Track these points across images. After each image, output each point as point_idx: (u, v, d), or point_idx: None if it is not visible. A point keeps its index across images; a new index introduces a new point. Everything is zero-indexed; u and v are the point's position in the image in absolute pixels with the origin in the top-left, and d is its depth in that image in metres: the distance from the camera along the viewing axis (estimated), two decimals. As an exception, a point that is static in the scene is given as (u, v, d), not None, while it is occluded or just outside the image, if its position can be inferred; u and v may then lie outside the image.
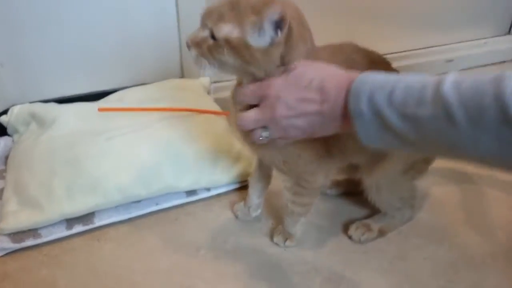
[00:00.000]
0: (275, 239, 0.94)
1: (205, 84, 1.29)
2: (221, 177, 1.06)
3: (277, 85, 0.68)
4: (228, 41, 0.66)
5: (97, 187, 0.96)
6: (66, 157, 0.98)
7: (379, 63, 0.84)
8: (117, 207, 0.99)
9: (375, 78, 0.61)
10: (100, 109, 1.04)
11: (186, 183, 1.03)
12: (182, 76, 1.30)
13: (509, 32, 1.78)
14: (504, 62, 1.76)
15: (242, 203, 1.01)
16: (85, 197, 0.95)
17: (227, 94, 1.35)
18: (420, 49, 1.62)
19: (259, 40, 0.66)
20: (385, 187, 0.90)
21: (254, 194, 0.97)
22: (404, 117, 0.57)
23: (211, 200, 1.06)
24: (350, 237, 0.96)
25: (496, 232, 0.99)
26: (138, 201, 1.01)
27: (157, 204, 1.02)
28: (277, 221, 0.99)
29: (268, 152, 0.81)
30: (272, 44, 0.66)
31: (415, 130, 0.57)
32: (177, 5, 1.21)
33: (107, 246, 0.93)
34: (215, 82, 1.37)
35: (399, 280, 0.88)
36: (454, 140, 0.54)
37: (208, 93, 1.31)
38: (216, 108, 1.20)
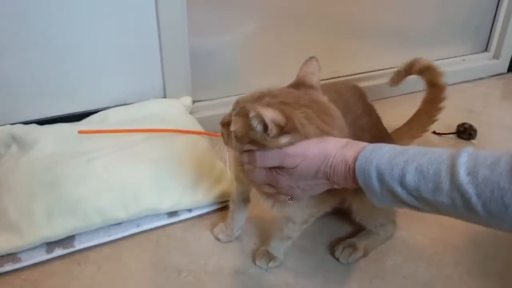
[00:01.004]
0: (257, 263, 0.94)
1: (187, 104, 1.30)
2: (203, 198, 1.06)
3: (284, 180, 0.70)
4: (235, 133, 0.70)
5: (77, 210, 0.96)
6: (46, 180, 0.98)
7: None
8: (98, 230, 0.98)
9: (380, 155, 0.62)
10: (80, 132, 1.04)
11: (168, 205, 1.03)
12: (164, 95, 1.30)
13: (486, 49, 1.82)
14: (482, 78, 1.80)
15: (222, 225, 1.01)
16: (65, 220, 0.95)
17: (209, 113, 1.38)
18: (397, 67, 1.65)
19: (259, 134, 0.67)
20: (371, 205, 0.91)
21: (239, 216, 0.97)
22: (419, 199, 0.59)
23: (192, 221, 1.06)
24: (337, 259, 0.96)
25: (473, 249, 1.00)
26: (119, 224, 1.01)
27: (138, 225, 1.02)
28: (260, 240, 1.00)
29: (290, 210, 0.83)
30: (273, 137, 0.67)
31: (432, 208, 0.60)
32: (158, 23, 1.21)
33: (87, 270, 0.92)
34: (197, 101, 1.38)
35: (379, 300, 0.88)
36: (473, 220, 0.57)
37: (190, 113, 1.32)
38: (199, 127, 1.21)
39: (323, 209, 0.84)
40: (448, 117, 1.49)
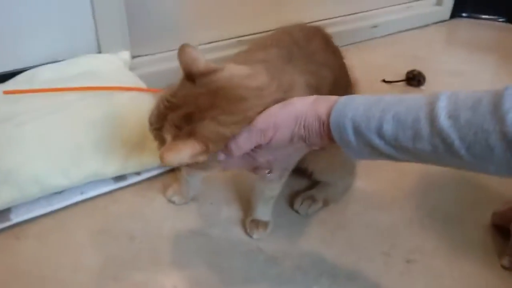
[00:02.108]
0: (255, 236, 0.87)
1: (126, 59, 1.19)
2: (151, 160, 0.98)
3: (261, 156, 0.66)
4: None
5: (9, 179, 0.85)
6: (-30, 149, 0.86)
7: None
8: (37, 200, 0.89)
9: (354, 107, 0.57)
10: (6, 92, 0.92)
11: (113, 169, 0.95)
12: (99, 51, 1.18)
13: (429, -4, 1.82)
14: (427, 25, 1.80)
15: (176, 186, 0.94)
16: (-3, 192, 0.84)
17: (150, 69, 1.28)
18: (345, 15, 1.61)
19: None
20: (329, 162, 0.89)
21: (195, 177, 0.91)
22: (398, 148, 0.55)
23: (142, 184, 0.99)
24: (296, 211, 0.93)
25: (432, 194, 1.01)
26: (60, 192, 0.91)
27: (82, 193, 0.93)
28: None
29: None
30: None
31: (411, 157, 0.56)
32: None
33: (28, 244, 0.83)
34: (136, 56, 1.27)
35: (342, 250, 0.86)
36: (457, 165, 0.54)
37: (130, 69, 1.21)
38: (141, 84, 1.11)
39: (294, 160, 0.80)
40: (396, 65, 1.49)
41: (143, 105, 1.03)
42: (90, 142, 0.92)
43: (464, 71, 1.51)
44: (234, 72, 0.63)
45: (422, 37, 1.75)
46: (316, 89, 0.72)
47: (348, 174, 0.97)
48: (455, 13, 1.85)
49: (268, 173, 0.71)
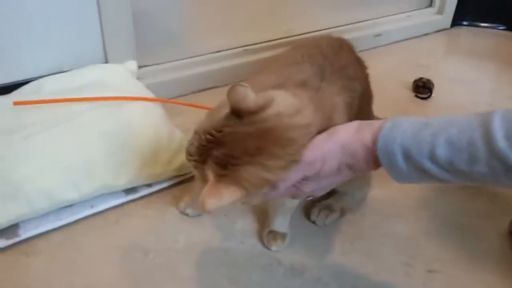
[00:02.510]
0: (273, 248, 0.85)
1: (133, 69, 1.17)
2: (163, 171, 0.96)
3: (308, 187, 0.64)
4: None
5: (17, 194, 0.82)
6: (-23, 163, 0.83)
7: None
8: (46, 215, 0.86)
9: (402, 131, 0.56)
10: (16, 103, 0.89)
11: (124, 181, 0.92)
12: (106, 61, 1.16)
13: (431, 5, 1.82)
14: (427, 34, 1.80)
15: (188, 198, 0.92)
16: (5, 207, 0.82)
17: (158, 79, 1.26)
18: (349, 24, 1.61)
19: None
20: None
21: None
22: (452, 171, 0.55)
23: (153, 197, 0.96)
24: (313, 222, 0.91)
25: (446, 203, 0.99)
26: (70, 206, 0.89)
27: (92, 206, 0.90)
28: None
29: None
30: None
31: (467, 179, 0.55)
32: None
33: (38, 261, 0.80)
34: (143, 66, 1.25)
35: (362, 261, 0.84)
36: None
37: (137, 79, 1.19)
38: (149, 94, 1.09)
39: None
40: (401, 73, 1.49)
41: (154, 115, 1.01)
42: (101, 154, 0.90)
43: (467, 79, 1.51)
44: (283, 109, 0.60)
45: (424, 46, 1.75)
46: (350, 105, 0.71)
47: (365, 184, 0.95)
48: (456, 21, 1.85)
49: (309, 198, 0.69)
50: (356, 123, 0.62)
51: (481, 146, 0.51)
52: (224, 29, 1.37)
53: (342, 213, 0.93)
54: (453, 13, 1.83)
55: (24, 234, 0.83)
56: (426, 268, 0.84)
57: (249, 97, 0.58)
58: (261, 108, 0.59)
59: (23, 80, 1.06)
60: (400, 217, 0.95)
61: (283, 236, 0.86)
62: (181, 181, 0.99)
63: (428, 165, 0.55)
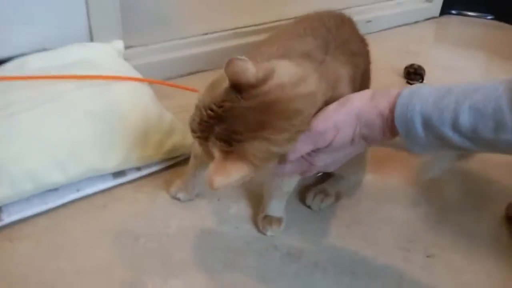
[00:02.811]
0: (269, 232, 0.82)
1: (119, 48, 1.12)
2: (153, 154, 0.92)
3: (320, 160, 0.61)
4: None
5: (0, 175, 0.78)
6: (-45, 142, 0.78)
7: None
8: (30, 198, 0.81)
9: (423, 98, 0.54)
10: (-2, 78, 0.85)
11: (113, 164, 0.88)
12: (91, 40, 1.11)
13: (421, -8, 1.82)
14: (417, 22, 1.80)
15: (180, 182, 0.88)
16: (-13, 189, 0.77)
17: (144, 60, 1.22)
18: (340, 9, 1.57)
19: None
20: None
21: (203, 172, 0.85)
22: (476, 140, 0.52)
23: (143, 180, 0.92)
24: (309, 207, 0.89)
25: (444, 187, 0.98)
26: (56, 189, 0.84)
27: (78, 190, 0.86)
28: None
29: None
30: None
31: (491, 148, 0.53)
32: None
33: (23, 246, 0.76)
34: (129, 47, 1.20)
35: (360, 246, 0.83)
36: None
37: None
38: (137, 74, 1.04)
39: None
40: (391, 59, 1.47)
41: (143, 96, 0.97)
42: (88, 135, 0.86)
43: (457, 67, 1.50)
44: (285, 79, 0.57)
45: (413, 33, 1.74)
46: (354, 80, 0.69)
47: (360, 169, 0.93)
48: (445, 10, 1.85)
49: (319, 174, 0.66)
50: (370, 91, 0.59)
51: (507, 113, 0.49)
52: (213, 12, 1.33)
53: (338, 197, 0.91)
54: (442, 2, 1.83)
55: (7, 218, 0.78)
56: (425, 253, 0.82)
57: (249, 70, 0.55)
58: (262, 81, 0.56)
59: (6, 57, 1.00)
60: (397, 202, 0.93)
61: (279, 220, 0.83)
62: (172, 165, 0.96)
63: (449, 133, 0.53)
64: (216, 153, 0.56)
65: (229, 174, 0.55)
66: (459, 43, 1.71)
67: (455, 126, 0.52)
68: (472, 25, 1.85)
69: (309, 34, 0.72)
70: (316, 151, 0.59)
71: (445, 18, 1.87)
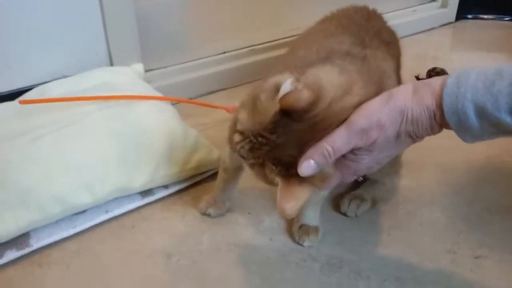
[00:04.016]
0: (306, 243, 0.79)
1: (140, 71, 1.12)
2: (179, 171, 0.90)
3: (365, 163, 0.58)
4: None
5: (27, 200, 0.76)
6: (-18, 169, 0.77)
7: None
8: (58, 222, 0.80)
9: (472, 86, 0.51)
10: (22, 102, 0.84)
11: (140, 183, 0.86)
12: (111, 64, 1.11)
13: (434, -1, 1.81)
14: (433, 28, 1.78)
15: (209, 198, 0.86)
16: (14, 214, 0.75)
17: (164, 82, 1.21)
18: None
19: None
20: None
21: (232, 185, 0.83)
22: None
23: (170, 198, 0.90)
24: (344, 214, 0.85)
25: (482, 187, 0.93)
26: (84, 211, 0.82)
27: (107, 211, 0.84)
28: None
29: None
30: None
31: None
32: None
33: (53, 271, 0.74)
34: (148, 70, 1.20)
35: (402, 251, 0.78)
36: None
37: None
38: (158, 95, 1.03)
39: None
40: (411, 67, 1.45)
41: (166, 114, 0.96)
42: (114, 155, 0.84)
43: (480, 69, 1.47)
44: (332, 93, 0.55)
45: (430, 39, 1.72)
46: (396, 70, 0.66)
47: (394, 172, 0.89)
48: (460, 14, 1.83)
49: (360, 177, 0.64)
50: (410, 85, 0.56)
51: None
52: (229, 30, 1.33)
53: (374, 202, 0.88)
54: (457, 7, 1.81)
55: (36, 243, 0.77)
56: (473, 254, 0.77)
57: (303, 98, 0.53)
58: (314, 104, 0.53)
59: (27, 86, 1.01)
60: (436, 204, 0.89)
61: (315, 230, 0.80)
62: (199, 181, 0.93)
63: (507, 119, 0.49)
64: (278, 179, 0.55)
65: (298, 198, 0.54)
66: (478, 46, 1.68)
67: None
68: (490, 28, 1.83)
69: (341, 32, 0.71)
70: (359, 150, 0.56)
71: (461, 22, 1.85)
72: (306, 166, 0.53)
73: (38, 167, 0.79)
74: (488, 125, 0.51)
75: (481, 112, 0.50)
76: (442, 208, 0.88)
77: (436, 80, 0.54)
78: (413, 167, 0.97)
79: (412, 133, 0.55)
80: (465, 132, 0.53)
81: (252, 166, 0.58)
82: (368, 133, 0.54)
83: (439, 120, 0.53)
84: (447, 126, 0.54)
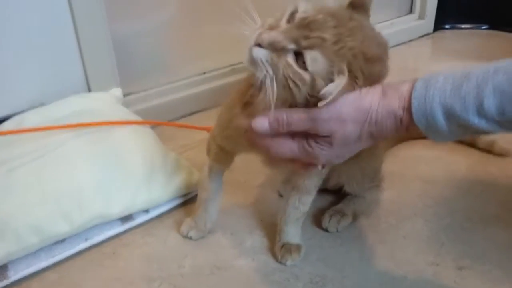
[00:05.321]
0: (289, 262, 0.78)
1: (118, 96, 1.11)
2: (160, 194, 0.89)
3: (325, 155, 0.58)
4: (313, 80, 0.54)
5: (4, 231, 0.75)
6: (-44, 202, 0.76)
7: None
8: (37, 252, 0.78)
9: (439, 88, 0.51)
10: (-2, 133, 0.83)
11: (119, 208, 0.85)
12: (89, 90, 1.11)
13: (411, 11, 1.83)
14: (412, 40, 1.80)
15: (190, 220, 0.85)
16: (-9, 246, 0.74)
17: (144, 105, 1.21)
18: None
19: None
20: (359, 171, 0.83)
21: (213, 206, 0.83)
22: (504, 123, 0.49)
23: (151, 223, 0.89)
24: (326, 229, 0.85)
25: (463, 198, 0.94)
26: (63, 240, 0.81)
27: (86, 239, 0.82)
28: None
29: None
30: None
31: None
32: (71, 9, 1.02)
33: (31, 304, 0.72)
34: (127, 94, 1.20)
35: (386, 266, 0.78)
36: None
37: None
38: (138, 119, 1.03)
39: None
40: (393, 80, 1.46)
41: (144, 137, 0.95)
42: (91, 181, 0.83)
43: (460, 78, 1.48)
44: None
45: (409, 51, 1.74)
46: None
47: (376, 186, 0.89)
48: (438, 25, 1.86)
49: (323, 167, 0.63)
50: (379, 88, 0.56)
51: None
52: (209, 50, 1.33)
53: (355, 217, 0.87)
54: (435, 17, 1.84)
55: (14, 275, 0.75)
56: (456, 266, 0.77)
57: None
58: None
59: (5, 116, 1.00)
60: (418, 216, 0.89)
61: (298, 248, 0.79)
62: (181, 204, 0.92)
63: (475, 120, 0.50)
64: None
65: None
66: (457, 55, 1.70)
67: (481, 112, 0.49)
68: (468, 37, 1.86)
69: None
70: (317, 140, 0.57)
71: (440, 33, 1.88)
72: (260, 123, 0.57)
73: (15, 197, 0.78)
74: (457, 126, 0.51)
75: (450, 114, 0.51)
76: (425, 220, 0.88)
77: (405, 84, 0.55)
78: (395, 179, 0.97)
79: (374, 134, 0.56)
80: (434, 133, 0.53)
81: None
82: (328, 122, 0.55)
83: (406, 123, 0.54)
84: (415, 128, 0.54)
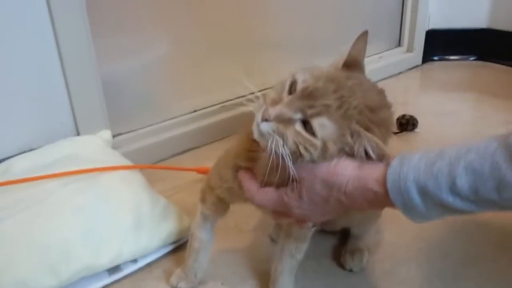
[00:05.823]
0: None
1: (107, 138, 1.10)
2: (148, 243, 0.87)
3: (295, 206, 0.60)
4: (324, 144, 0.55)
5: (-12, 289, 0.73)
6: None
7: None
8: (22, 309, 0.76)
9: (413, 166, 0.52)
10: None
11: (107, 259, 0.83)
12: (77, 133, 1.10)
13: (399, 44, 1.85)
14: (401, 72, 1.82)
15: (179, 271, 0.83)
16: (-26, 306, 0.72)
17: (134, 146, 1.20)
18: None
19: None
20: (364, 216, 0.86)
21: (204, 255, 0.81)
22: (479, 202, 0.49)
23: (140, 273, 0.87)
24: (350, 270, 0.85)
25: (456, 240, 0.93)
26: (48, 295, 0.79)
27: (73, 293, 0.80)
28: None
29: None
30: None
31: (498, 207, 0.50)
32: (59, 52, 1.02)
33: None
34: (117, 135, 1.19)
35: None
36: None
37: (112, 148, 1.12)
38: (127, 162, 1.02)
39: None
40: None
41: (132, 184, 0.94)
42: (78, 232, 0.81)
43: (450, 111, 1.49)
44: None
45: (398, 84, 1.75)
46: None
47: (373, 222, 0.91)
48: (427, 57, 1.88)
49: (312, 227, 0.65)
50: (357, 163, 0.57)
51: (507, 170, 0.46)
52: (199, 88, 1.33)
53: (369, 251, 0.88)
54: (423, 49, 1.86)
55: (-3, 336, 0.73)
56: (451, 315, 0.76)
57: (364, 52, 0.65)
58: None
59: (-11, 162, 0.99)
60: (413, 260, 0.88)
61: None
62: (171, 251, 0.91)
63: (449, 199, 0.49)
64: None
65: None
66: (446, 87, 1.72)
67: (454, 190, 0.49)
68: (456, 68, 1.87)
69: None
70: (292, 187, 0.59)
71: (428, 65, 1.90)
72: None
73: (1, 251, 0.76)
74: (433, 204, 0.51)
75: (424, 192, 0.50)
76: (418, 265, 0.87)
77: (381, 164, 0.55)
78: (386, 221, 0.96)
79: (345, 202, 0.57)
80: (412, 212, 0.53)
81: None
82: (300, 167, 0.57)
83: (383, 199, 0.54)
84: (390, 205, 0.54)
